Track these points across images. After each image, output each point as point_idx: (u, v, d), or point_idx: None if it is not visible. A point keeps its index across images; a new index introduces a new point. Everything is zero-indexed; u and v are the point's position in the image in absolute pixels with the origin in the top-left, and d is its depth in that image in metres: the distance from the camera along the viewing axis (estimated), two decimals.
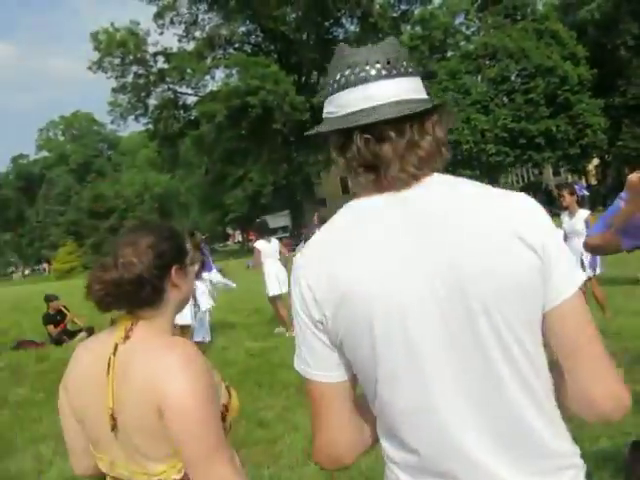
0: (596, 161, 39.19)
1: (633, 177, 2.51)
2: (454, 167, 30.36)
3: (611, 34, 30.81)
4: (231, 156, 38.46)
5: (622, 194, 2.62)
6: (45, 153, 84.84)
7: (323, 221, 8.43)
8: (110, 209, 67.46)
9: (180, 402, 1.23)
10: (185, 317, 7.93)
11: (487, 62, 31.43)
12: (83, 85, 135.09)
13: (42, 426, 5.44)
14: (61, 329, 10.28)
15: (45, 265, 64.41)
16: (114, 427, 1.30)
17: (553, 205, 11.04)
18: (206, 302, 8.59)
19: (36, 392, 6.66)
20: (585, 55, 30.57)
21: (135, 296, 1.34)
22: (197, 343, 8.33)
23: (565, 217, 7.12)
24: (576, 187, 7.30)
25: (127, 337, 1.35)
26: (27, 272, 71.56)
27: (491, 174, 33.32)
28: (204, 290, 8.58)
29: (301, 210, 42.79)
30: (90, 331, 10.56)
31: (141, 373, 1.29)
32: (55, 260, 56.29)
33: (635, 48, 30.59)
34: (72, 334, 10.38)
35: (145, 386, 1.27)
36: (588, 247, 2.88)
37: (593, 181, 49.63)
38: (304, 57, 34.48)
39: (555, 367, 1.03)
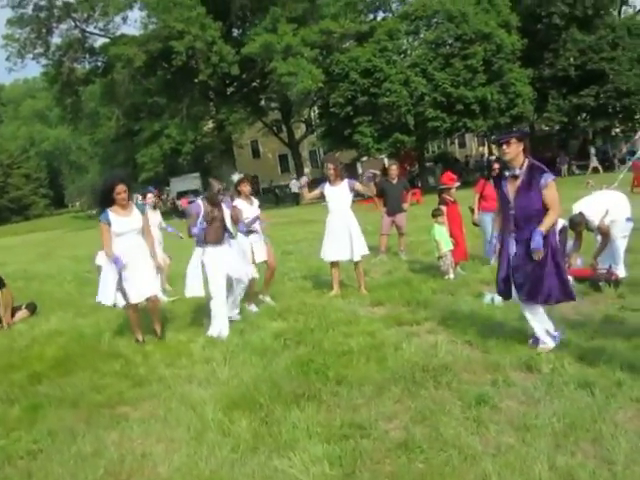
0: None
1: None
2: (390, 131, 29.33)
3: (545, 4, 30.83)
4: (145, 108, 35.00)
5: None
6: None
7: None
8: None
9: None
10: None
11: (425, 24, 30.40)
12: None
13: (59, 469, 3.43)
14: None
15: None
16: None
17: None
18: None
19: (8, 404, 4.55)
20: (517, 25, 30.44)
21: None
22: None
23: None
24: None
25: None
26: None
27: (425, 140, 32.74)
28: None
29: (217, 172, 39.99)
30: (32, 308, 8.33)
31: None
32: None
33: (566, 19, 30.86)
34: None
35: None
36: None
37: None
38: (232, 4, 31.52)
39: None
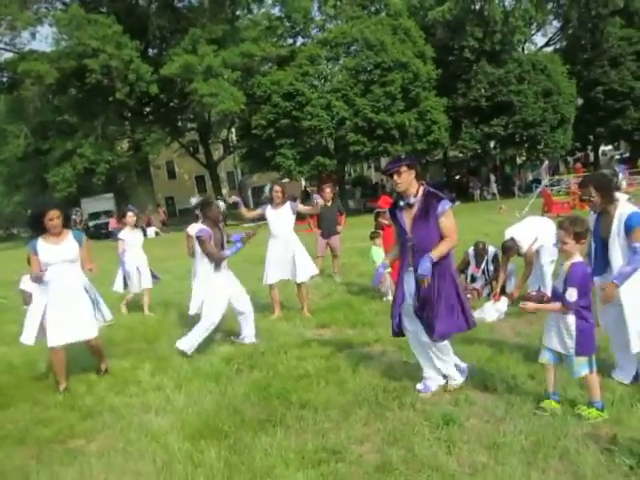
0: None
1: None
2: (311, 154, 29.68)
3: (456, 37, 32.49)
4: (54, 127, 33.44)
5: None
6: None
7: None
8: None
9: None
10: None
11: (345, 51, 31.18)
12: None
13: None
14: None
15: None
16: None
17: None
18: None
19: None
20: (432, 55, 31.81)
21: None
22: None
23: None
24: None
25: None
26: None
27: (345, 164, 33.34)
28: None
29: (133, 193, 38.56)
30: None
31: None
32: None
33: (476, 53, 32.64)
34: None
35: None
36: None
37: None
38: (149, 23, 30.95)
39: None
